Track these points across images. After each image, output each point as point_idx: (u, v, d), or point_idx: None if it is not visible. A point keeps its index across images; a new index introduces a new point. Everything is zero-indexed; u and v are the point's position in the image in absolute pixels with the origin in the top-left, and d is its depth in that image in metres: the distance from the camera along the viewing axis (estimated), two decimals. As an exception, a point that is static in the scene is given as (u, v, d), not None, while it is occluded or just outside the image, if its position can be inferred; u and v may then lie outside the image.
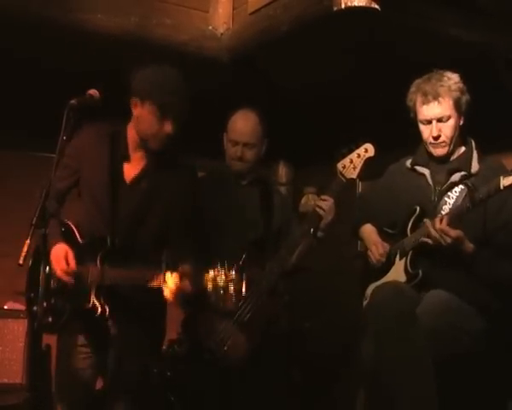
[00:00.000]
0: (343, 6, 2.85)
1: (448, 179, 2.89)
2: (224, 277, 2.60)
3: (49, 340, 2.98)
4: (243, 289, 2.72)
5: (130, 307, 2.78)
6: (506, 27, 3.06)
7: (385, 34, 3.14)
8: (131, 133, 2.87)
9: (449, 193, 2.88)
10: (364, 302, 2.99)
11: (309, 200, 4.67)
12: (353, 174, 3.05)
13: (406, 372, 2.54)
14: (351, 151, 3.06)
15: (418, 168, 3.00)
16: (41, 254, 2.53)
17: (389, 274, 2.94)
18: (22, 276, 2.85)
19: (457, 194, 2.85)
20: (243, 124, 3.31)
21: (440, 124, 2.84)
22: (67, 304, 2.73)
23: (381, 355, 2.63)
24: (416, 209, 2.92)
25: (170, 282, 2.67)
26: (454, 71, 2.87)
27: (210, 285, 2.62)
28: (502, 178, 2.59)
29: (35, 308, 2.77)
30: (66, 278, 2.68)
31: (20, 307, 3.87)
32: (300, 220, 3.28)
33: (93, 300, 2.70)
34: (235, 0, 3.63)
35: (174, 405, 3.16)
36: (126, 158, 2.86)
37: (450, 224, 2.69)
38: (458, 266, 2.76)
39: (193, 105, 2.78)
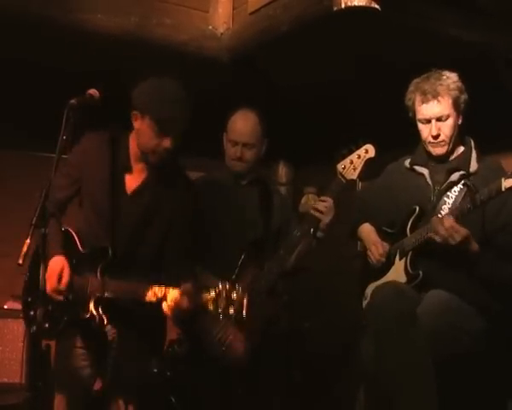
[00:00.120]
0: (343, 6, 2.85)
1: (447, 179, 2.89)
2: (224, 297, 2.58)
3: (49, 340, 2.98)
4: (243, 312, 2.72)
5: (129, 319, 2.76)
6: (506, 27, 3.06)
7: (385, 34, 3.14)
8: (133, 144, 2.85)
9: (448, 193, 2.88)
10: (364, 302, 2.99)
11: (309, 200, 4.67)
12: (353, 175, 3.04)
13: (406, 373, 2.54)
14: (351, 152, 3.06)
15: (417, 168, 3.00)
16: (40, 257, 2.51)
17: (389, 274, 2.94)
18: (22, 276, 2.85)
19: (456, 193, 2.85)
20: (243, 124, 3.31)
21: (439, 123, 2.84)
22: (65, 312, 2.72)
23: (381, 355, 2.63)
24: (415, 209, 2.91)
25: (169, 298, 2.66)
26: (453, 71, 2.87)
27: (211, 306, 2.61)
28: (503, 180, 2.59)
29: (31, 313, 2.77)
30: (55, 298, 2.66)
31: (20, 306, 3.87)
32: (300, 221, 3.28)
33: (91, 310, 2.68)
34: (235, 0, 3.63)
35: (174, 405, 3.17)
36: (128, 169, 2.84)
37: (457, 222, 2.69)
38: (459, 266, 2.75)
39: (193, 105, 2.78)
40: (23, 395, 3.46)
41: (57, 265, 2.67)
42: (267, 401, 3.16)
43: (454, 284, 2.75)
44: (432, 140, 2.87)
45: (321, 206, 3.05)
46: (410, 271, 2.85)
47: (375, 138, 3.06)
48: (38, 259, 2.56)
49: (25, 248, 2.29)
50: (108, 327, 2.75)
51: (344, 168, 3.04)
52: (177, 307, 2.66)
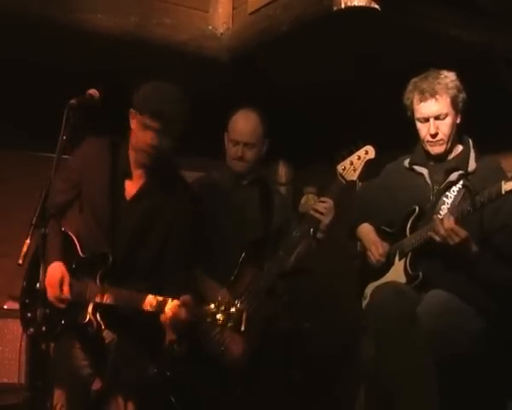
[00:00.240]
0: (343, 6, 2.85)
1: (446, 178, 2.89)
2: (223, 310, 2.57)
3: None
4: (242, 327, 2.72)
5: (127, 325, 2.76)
6: (506, 27, 3.07)
7: (385, 34, 3.14)
8: (132, 149, 2.86)
9: (447, 192, 2.88)
10: (364, 302, 2.99)
11: (309, 200, 4.67)
12: (353, 176, 3.04)
13: (406, 373, 2.54)
14: (351, 153, 3.05)
15: (416, 168, 3.00)
16: (39, 259, 2.50)
17: (388, 274, 2.94)
18: (21, 276, 2.85)
19: (455, 193, 2.86)
20: (244, 124, 3.30)
21: (438, 121, 2.84)
22: (62, 316, 2.71)
23: (381, 356, 2.63)
24: (414, 209, 2.91)
25: (167, 309, 2.64)
26: (452, 70, 2.87)
27: (209, 318, 2.60)
28: (503, 183, 2.58)
29: (29, 315, 2.76)
30: (57, 305, 2.66)
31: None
32: (300, 221, 3.28)
33: (89, 316, 2.68)
34: (235, 0, 3.63)
35: (174, 405, 3.16)
36: (128, 175, 2.84)
37: (457, 224, 2.69)
38: (459, 267, 2.75)
39: (193, 105, 2.77)
40: (23, 395, 3.46)
41: (57, 272, 2.67)
42: (267, 401, 3.15)
43: (454, 285, 2.75)
44: (430, 139, 2.87)
45: (321, 207, 3.05)
46: (410, 271, 2.85)
47: (374, 138, 3.06)
48: (37, 261, 2.56)
49: (25, 249, 2.29)
50: (106, 332, 2.74)
51: (344, 169, 3.04)
52: (175, 319, 2.64)
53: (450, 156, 2.93)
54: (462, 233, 2.66)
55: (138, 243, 2.82)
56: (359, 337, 2.94)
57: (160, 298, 2.66)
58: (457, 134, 2.91)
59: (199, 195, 3.20)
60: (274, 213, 3.38)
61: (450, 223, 2.66)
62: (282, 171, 5.13)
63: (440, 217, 2.74)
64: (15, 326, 3.93)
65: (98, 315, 2.69)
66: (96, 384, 2.82)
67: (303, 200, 4.75)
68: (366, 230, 3.11)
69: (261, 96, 3.66)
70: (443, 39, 3.09)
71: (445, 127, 2.85)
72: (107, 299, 2.69)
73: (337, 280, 4.00)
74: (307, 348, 3.89)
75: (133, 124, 2.79)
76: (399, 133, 3.04)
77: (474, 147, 2.93)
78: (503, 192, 2.59)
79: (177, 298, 2.64)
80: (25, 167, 4.37)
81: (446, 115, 2.83)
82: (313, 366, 3.94)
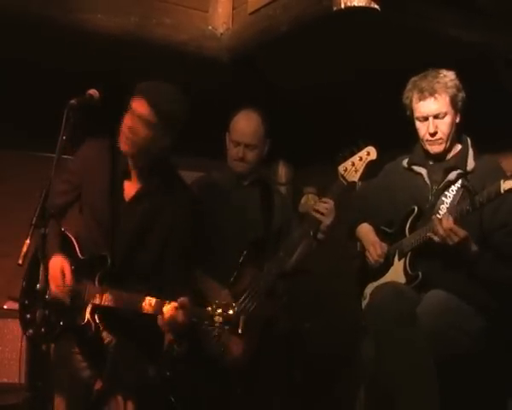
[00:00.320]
0: (343, 6, 2.85)
1: (445, 178, 2.89)
2: (221, 313, 2.57)
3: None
4: (239, 330, 2.71)
5: (126, 327, 2.75)
6: (506, 27, 3.07)
7: (385, 34, 3.14)
8: None
9: (446, 192, 2.88)
10: (363, 302, 2.99)
11: (308, 200, 4.67)
12: (355, 177, 3.02)
13: (407, 373, 2.54)
14: (352, 154, 3.03)
15: (415, 168, 3.00)
16: (39, 260, 2.50)
17: (388, 275, 2.94)
18: (21, 276, 2.85)
19: (454, 192, 2.86)
20: (245, 124, 3.29)
21: (437, 120, 2.84)
22: (61, 318, 2.70)
23: (380, 356, 2.63)
24: (414, 209, 2.91)
25: (165, 311, 2.63)
26: (451, 69, 2.87)
27: (207, 321, 2.60)
28: (502, 181, 2.58)
29: (28, 316, 2.76)
30: (60, 295, 2.65)
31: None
32: (300, 222, 3.28)
33: (88, 318, 2.67)
34: (234, 0, 3.63)
35: (174, 405, 3.16)
36: (127, 175, 2.83)
37: (456, 224, 2.69)
38: (458, 266, 2.75)
39: (192, 105, 2.77)
40: (23, 395, 3.47)
41: (58, 264, 2.66)
42: (267, 402, 3.15)
43: (453, 285, 2.75)
44: (429, 138, 2.87)
45: (322, 208, 3.03)
46: (410, 271, 2.85)
47: (374, 138, 3.06)
48: (36, 261, 2.56)
49: (25, 249, 2.29)
50: (104, 334, 2.74)
51: (345, 170, 3.02)
52: (172, 321, 2.63)
53: (449, 156, 2.93)
54: (462, 233, 2.65)
55: (138, 244, 2.81)
56: (359, 338, 2.94)
57: (158, 301, 2.65)
58: (456, 133, 2.91)
59: (198, 195, 3.20)
60: (274, 213, 3.37)
61: (448, 223, 2.66)
62: (282, 171, 5.13)
63: (439, 217, 2.74)
64: (15, 326, 3.93)
65: (96, 317, 2.68)
66: (97, 384, 2.82)
67: (303, 200, 4.74)
68: (365, 230, 3.11)
69: (261, 97, 3.66)
70: (443, 39, 3.09)
71: (444, 126, 2.85)
72: (105, 301, 2.68)
73: (337, 280, 4.00)
74: (307, 348, 3.89)
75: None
76: (399, 133, 3.04)
77: (472, 146, 2.93)
78: (502, 191, 2.58)
79: (175, 300, 2.63)
80: (25, 167, 4.37)
81: (445, 114, 2.84)
82: (313, 366, 3.94)
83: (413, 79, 2.91)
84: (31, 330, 2.74)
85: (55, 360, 2.81)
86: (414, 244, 2.86)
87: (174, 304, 2.62)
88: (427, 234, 2.76)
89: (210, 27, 3.61)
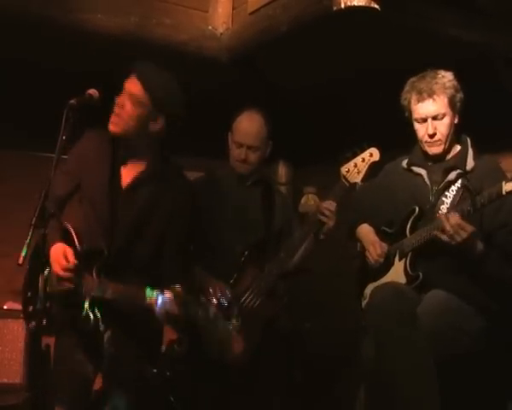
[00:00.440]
0: (343, 6, 2.85)
1: (444, 178, 2.89)
2: (214, 305, 2.57)
3: (49, 339, 2.98)
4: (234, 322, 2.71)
5: (124, 320, 2.74)
6: (506, 27, 3.07)
7: (385, 34, 3.14)
8: None
9: (446, 192, 2.88)
10: (363, 302, 2.99)
11: (308, 200, 4.67)
12: (357, 179, 3.00)
13: (407, 373, 2.54)
14: (355, 155, 3.01)
15: (415, 169, 3.00)
16: (40, 254, 2.51)
17: (388, 275, 2.94)
18: (22, 276, 2.85)
19: (454, 193, 2.86)
20: (248, 126, 3.27)
21: (436, 122, 2.84)
22: (61, 311, 2.70)
23: (381, 356, 2.63)
24: (414, 209, 2.91)
25: (160, 301, 2.63)
26: (451, 70, 2.86)
27: (200, 311, 2.60)
28: (504, 183, 2.58)
29: (31, 309, 2.77)
30: (66, 275, 2.64)
31: (20, 307, 3.87)
32: (301, 222, 3.27)
33: (86, 310, 2.67)
34: (234, 0, 3.63)
35: (174, 405, 3.16)
36: (123, 163, 2.83)
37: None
38: (459, 267, 2.75)
39: (192, 105, 2.77)
40: (23, 395, 3.47)
41: (60, 249, 2.65)
42: (267, 401, 3.15)
43: (454, 286, 2.74)
44: (428, 139, 2.87)
45: (325, 210, 3.02)
46: (410, 272, 2.85)
47: (374, 138, 3.05)
48: (39, 255, 2.56)
49: (24, 249, 2.29)
50: (102, 327, 2.74)
51: (348, 172, 3.00)
52: (167, 311, 2.64)
53: (449, 156, 2.93)
54: (469, 228, 2.64)
55: (136, 235, 2.80)
56: (359, 338, 2.94)
57: (153, 291, 2.65)
58: (455, 134, 2.91)
59: (200, 194, 3.19)
60: (276, 213, 3.37)
61: (455, 219, 2.64)
62: (282, 171, 5.13)
63: (445, 215, 2.73)
64: (15, 326, 3.94)
65: (95, 309, 2.68)
66: (97, 384, 2.82)
67: (303, 200, 4.75)
68: (365, 230, 3.11)
69: (261, 96, 3.66)
70: (443, 39, 3.09)
71: (442, 127, 2.84)
72: (103, 292, 2.68)
73: (337, 280, 4.00)
74: (307, 348, 3.89)
75: None
76: (399, 134, 3.04)
77: (472, 146, 2.93)
78: (503, 193, 2.58)
79: (168, 290, 2.64)
80: (25, 167, 4.37)
81: (444, 115, 2.83)
82: (313, 366, 3.94)
83: (411, 80, 2.90)
84: (33, 323, 2.74)
85: (56, 357, 2.82)
86: (415, 244, 2.85)
87: (169, 293, 2.63)
88: (434, 232, 2.74)
89: (210, 27, 3.61)
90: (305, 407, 3.73)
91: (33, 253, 2.69)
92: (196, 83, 3.41)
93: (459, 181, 2.85)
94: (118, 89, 2.75)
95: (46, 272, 2.63)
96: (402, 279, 2.86)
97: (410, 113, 2.91)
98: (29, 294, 2.80)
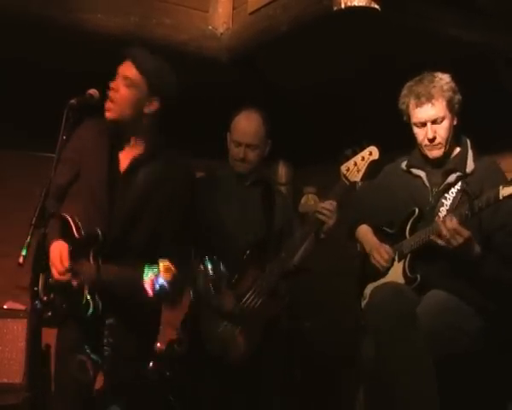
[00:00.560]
0: (343, 6, 2.86)
1: (444, 180, 2.88)
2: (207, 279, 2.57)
3: (49, 339, 2.98)
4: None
5: (123, 305, 2.74)
6: (506, 27, 3.07)
7: (385, 34, 3.14)
8: None
9: (445, 194, 2.87)
10: (363, 302, 2.99)
11: (309, 200, 4.67)
12: (357, 177, 3.00)
13: (406, 373, 2.54)
14: (355, 154, 3.01)
15: (414, 170, 2.99)
16: (42, 250, 2.51)
17: (387, 276, 2.93)
18: (22, 276, 2.85)
19: (454, 195, 2.85)
20: (246, 124, 3.28)
21: (435, 125, 2.82)
22: (64, 300, 2.71)
23: (380, 356, 2.63)
24: (414, 211, 2.91)
25: (148, 274, 2.61)
26: (451, 71, 2.86)
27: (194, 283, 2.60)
28: (501, 188, 2.58)
29: (37, 302, 2.77)
30: (62, 278, 2.65)
31: (20, 306, 3.87)
32: (301, 221, 3.27)
33: (86, 296, 2.67)
34: (234, 0, 3.63)
35: (173, 405, 3.17)
36: (121, 148, 2.84)
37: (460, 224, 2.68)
38: (457, 269, 2.75)
39: (192, 105, 2.78)
40: (23, 395, 3.47)
41: (57, 249, 2.66)
42: (267, 401, 3.16)
43: (452, 288, 2.74)
44: (428, 143, 2.86)
45: (325, 209, 3.03)
46: (409, 274, 2.85)
47: (374, 138, 3.06)
48: (42, 250, 2.57)
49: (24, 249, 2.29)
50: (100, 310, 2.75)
51: (348, 170, 3.00)
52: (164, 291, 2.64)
53: (448, 158, 2.92)
54: (466, 233, 2.64)
55: (132, 220, 2.80)
56: (359, 337, 2.94)
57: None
58: (454, 136, 2.90)
59: (200, 194, 3.20)
60: (276, 213, 3.37)
61: (452, 223, 2.65)
62: (282, 171, 5.13)
63: (442, 218, 2.73)
64: (15, 326, 3.93)
65: (96, 296, 2.68)
66: (98, 384, 2.82)
67: (303, 200, 4.75)
68: (364, 231, 3.11)
69: (261, 96, 3.67)
70: (443, 39, 3.09)
71: (442, 131, 2.83)
72: (101, 277, 2.68)
73: (337, 280, 4.01)
74: (307, 347, 3.89)
75: None
76: (399, 134, 3.04)
77: (472, 147, 2.92)
78: (500, 197, 2.58)
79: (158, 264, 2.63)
80: (25, 167, 4.37)
81: (443, 119, 2.82)
82: (313, 365, 3.95)
83: (408, 83, 2.89)
84: (38, 304, 2.75)
85: (56, 354, 2.82)
86: (413, 246, 2.85)
87: (158, 267, 2.61)
88: (431, 237, 2.74)
89: (210, 27, 3.62)
90: (304, 406, 3.73)
91: (37, 248, 2.70)
92: (196, 83, 3.41)
93: (459, 184, 2.85)
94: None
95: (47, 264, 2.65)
96: (400, 281, 2.86)
97: (409, 117, 2.89)
98: (36, 288, 2.80)
